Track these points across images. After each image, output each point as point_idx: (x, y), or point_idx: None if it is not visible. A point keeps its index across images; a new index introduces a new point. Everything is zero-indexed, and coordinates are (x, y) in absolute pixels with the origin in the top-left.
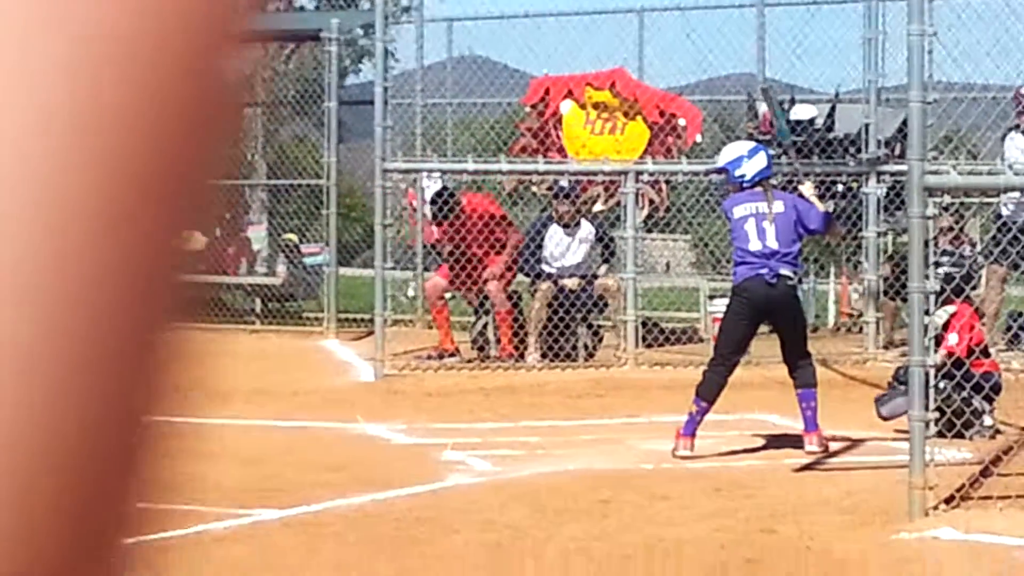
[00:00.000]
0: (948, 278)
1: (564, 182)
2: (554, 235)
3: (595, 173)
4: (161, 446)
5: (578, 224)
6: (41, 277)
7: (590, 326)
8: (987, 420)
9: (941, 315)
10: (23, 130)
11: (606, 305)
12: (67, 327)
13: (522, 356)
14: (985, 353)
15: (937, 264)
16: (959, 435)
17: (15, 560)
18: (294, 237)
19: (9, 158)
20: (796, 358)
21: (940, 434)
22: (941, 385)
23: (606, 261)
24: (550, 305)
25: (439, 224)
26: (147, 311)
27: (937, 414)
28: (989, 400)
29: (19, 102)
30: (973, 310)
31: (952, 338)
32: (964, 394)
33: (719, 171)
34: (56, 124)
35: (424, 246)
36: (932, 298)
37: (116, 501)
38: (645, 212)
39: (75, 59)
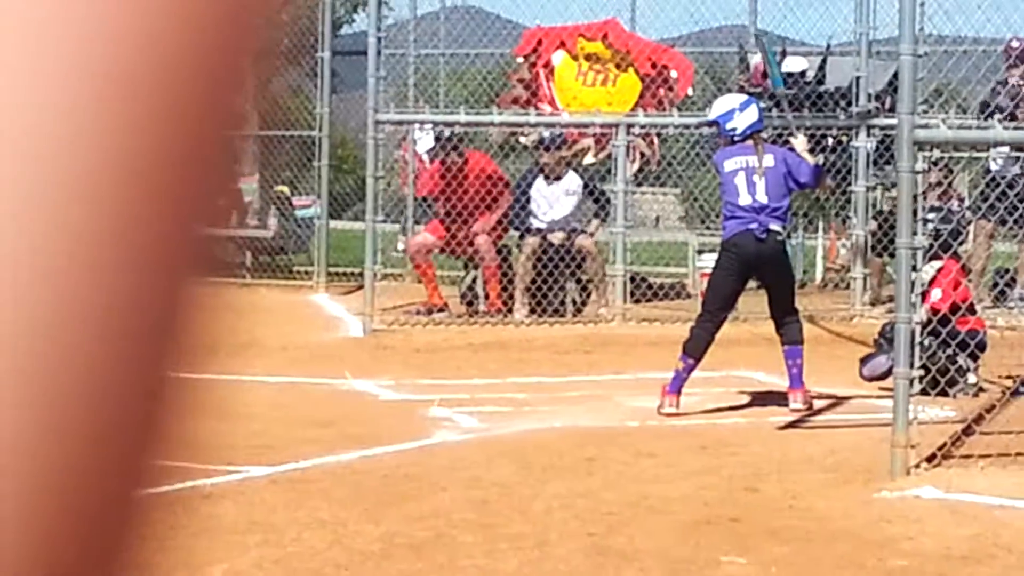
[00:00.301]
0: (936, 233)
1: (546, 133)
2: (540, 188)
3: (587, 125)
4: (183, 408)
5: (564, 175)
6: (59, 245)
7: (579, 281)
8: (971, 378)
9: (927, 271)
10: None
11: (583, 261)
12: (86, 297)
13: (510, 311)
14: (971, 310)
15: (925, 220)
16: (943, 393)
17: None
18: (286, 189)
19: (27, 126)
20: (783, 314)
21: (924, 392)
22: (926, 343)
23: (597, 215)
24: (538, 260)
25: (443, 165)
26: (168, 281)
27: (922, 372)
28: (974, 358)
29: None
30: (960, 266)
31: (936, 294)
32: (949, 351)
33: (710, 124)
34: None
35: (416, 199)
36: (920, 254)
37: (137, 464)
38: (636, 165)
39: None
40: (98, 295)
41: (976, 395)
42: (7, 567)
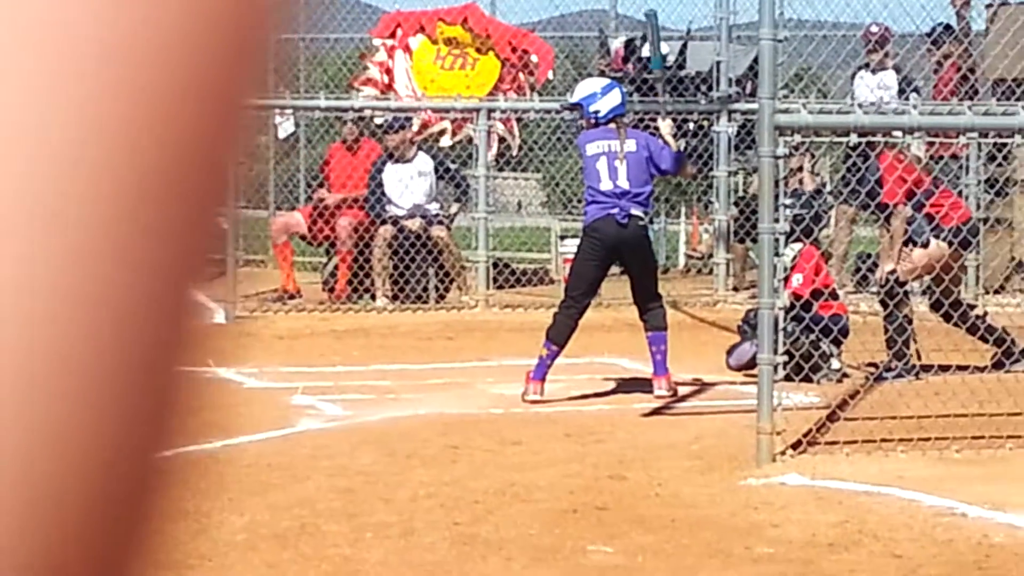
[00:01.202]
0: (796, 218)
1: (388, 117)
2: (391, 171)
3: (447, 110)
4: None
5: (413, 157)
6: (59, 267)
7: (440, 267)
8: (835, 363)
9: (789, 253)
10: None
11: (440, 253)
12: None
13: (373, 297)
14: (833, 295)
15: (784, 206)
16: (807, 379)
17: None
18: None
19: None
20: (647, 300)
21: (788, 378)
22: (789, 328)
23: (458, 200)
24: (393, 249)
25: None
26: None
27: (785, 358)
28: (837, 343)
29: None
30: (820, 252)
31: (796, 279)
32: (812, 337)
33: (573, 107)
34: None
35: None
36: (782, 239)
37: (139, 461)
38: (495, 150)
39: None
40: (100, 294)
41: (840, 381)
42: (5, 567)
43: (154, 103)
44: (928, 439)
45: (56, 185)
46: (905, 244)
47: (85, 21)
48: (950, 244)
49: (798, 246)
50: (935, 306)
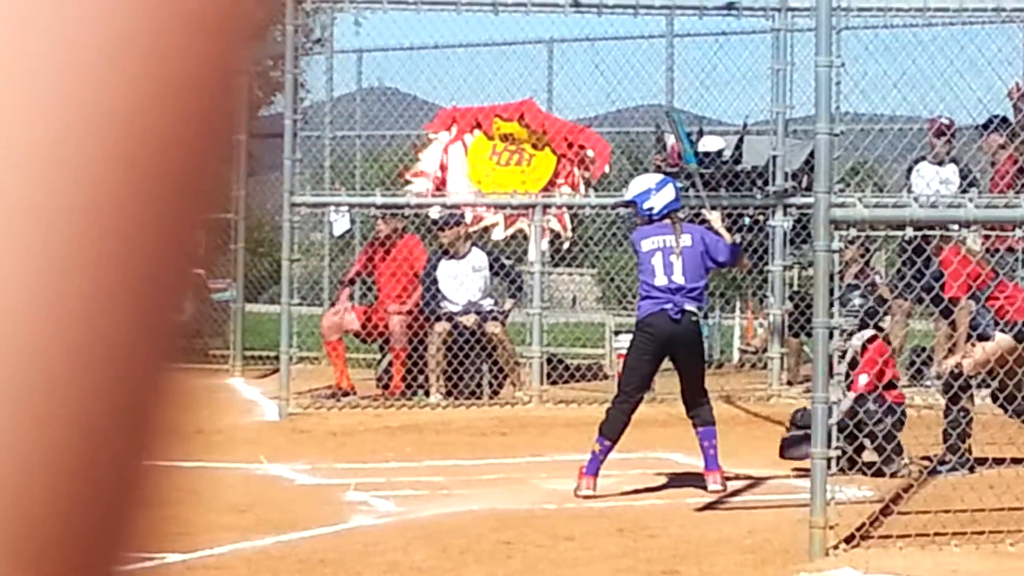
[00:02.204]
0: (864, 307)
1: (444, 213)
2: (445, 268)
3: (504, 206)
4: (157, 491)
5: (467, 253)
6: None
7: (495, 363)
8: (904, 459)
9: (857, 342)
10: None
11: (495, 349)
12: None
13: (427, 394)
14: (893, 385)
15: (848, 298)
16: (879, 473)
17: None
18: (201, 272)
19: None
20: (694, 396)
21: (861, 472)
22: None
23: (512, 296)
24: (448, 345)
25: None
26: (147, 353)
27: (838, 452)
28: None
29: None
30: (882, 339)
31: (862, 379)
32: (886, 430)
33: (627, 204)
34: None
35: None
36: (836, 333)
37: (111, 547)
38: (546, 242)
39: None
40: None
41: (910, 474)
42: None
43: (130, 105)
44: (982, 533)
45: (30, 190)
46: (968, 338)
47: (62, 22)
48: (1017, 340)
49: (867, 334)
50: (995, 398)
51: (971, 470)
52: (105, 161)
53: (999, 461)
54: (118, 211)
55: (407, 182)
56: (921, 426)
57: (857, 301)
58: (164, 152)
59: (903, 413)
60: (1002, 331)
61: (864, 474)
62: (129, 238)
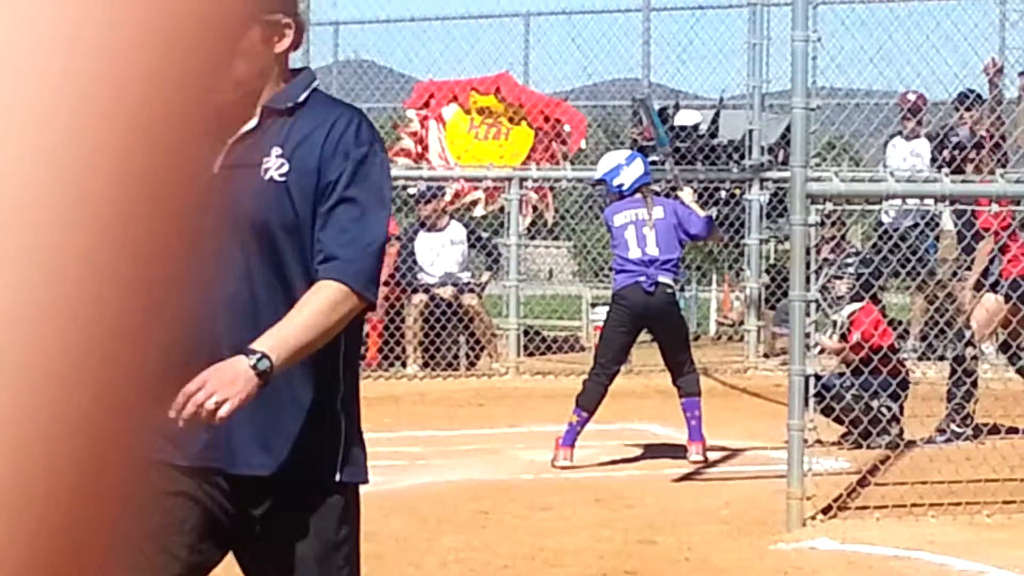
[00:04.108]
0: (859, 277)
1: (423, 186)
2: (423, 240)
3: (480, 179)
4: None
5: (446, 226)
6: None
7: (471, 334)
8: (894, 429)
9: (845, 312)
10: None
11: (471, 321)
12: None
13: (404, 365)
14: (892, 351)
15: (846, 264)
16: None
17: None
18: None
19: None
20: (679, 367)
21: (857, 444)
22: (855, 391)
23: (489, 268)
24: (424, 317)
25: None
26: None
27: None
28: (895, 398)
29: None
30: (880, 308)
31: (855, 336)
32: (880, 401)
33: (598, 182)
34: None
35: None
36: (812, 306)
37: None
38: (528, 219)
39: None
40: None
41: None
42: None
43: (133, 101)
44: (959, 504)
45: (34, 188)
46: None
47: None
48: (1007, 298)
49: (856, 306)
50: (1005, 347)
51: (969, 439)
52: (107, 144)
53: (994, 432)
54: (123, 195)
55: (390, 161)
56: (916, 398)
57: (851, 271)
58: (156, 122)
59: (901, 384)
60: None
61: (859, 447)
62: (132, 223)
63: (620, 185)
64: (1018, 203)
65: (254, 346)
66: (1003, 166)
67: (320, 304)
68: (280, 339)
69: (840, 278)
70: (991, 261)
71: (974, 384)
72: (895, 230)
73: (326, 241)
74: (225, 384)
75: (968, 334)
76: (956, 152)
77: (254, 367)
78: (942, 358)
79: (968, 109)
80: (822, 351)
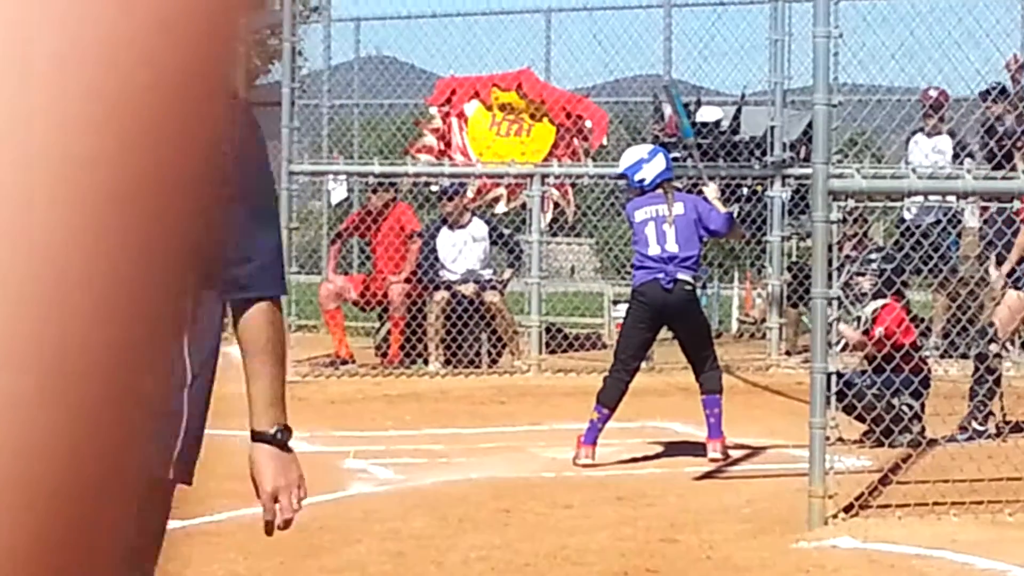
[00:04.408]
0: (881, 274)
1: (445, 182)
2: (445, 237)
3: (501, 176)
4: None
5: (468, 223)
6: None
7: (493, 332)
8: (916, 427)
9: (870, 309)
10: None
11: (493, 319)
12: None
13: (426, 362)
14: (915, 348)
15: (868, 260)
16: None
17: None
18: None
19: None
20: (700, 363)
21: (879, 443)
22: (875, 390)
23: (511, 266)
24: (447, 314)
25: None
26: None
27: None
28: (917, 396)
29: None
30: (903, 304)
31: (879, 331)
32: (901, 400)
33: (619, 177)
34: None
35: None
36: (835, 304)
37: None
38: (550, 215)
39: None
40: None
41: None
42: None
43: (131, 98)
44: (981, 502)
45: (29, 186)
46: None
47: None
48: None
49: (881, 301)
50: None
51: (991, 438)
52: (111, 136)
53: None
54: (126, 186)
55: (413, 157)
56: (937, 396)
57: (875, 267)
58: (170, 120)
59: (923, 382)
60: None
61: (881, 445)
62: (138, 213)
63: (641, 180)
64: None
65: (266, 426)
66: None
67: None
68: (278, 399)
69: (863, 275)
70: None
71: (997, 382)
72: (917, 227)
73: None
74: (291, 480)
75: (991, 331)
76: (1005, 141)
77: (286, 445)
78: (964, 356)
79: (996, 102)
80: (844, 348)
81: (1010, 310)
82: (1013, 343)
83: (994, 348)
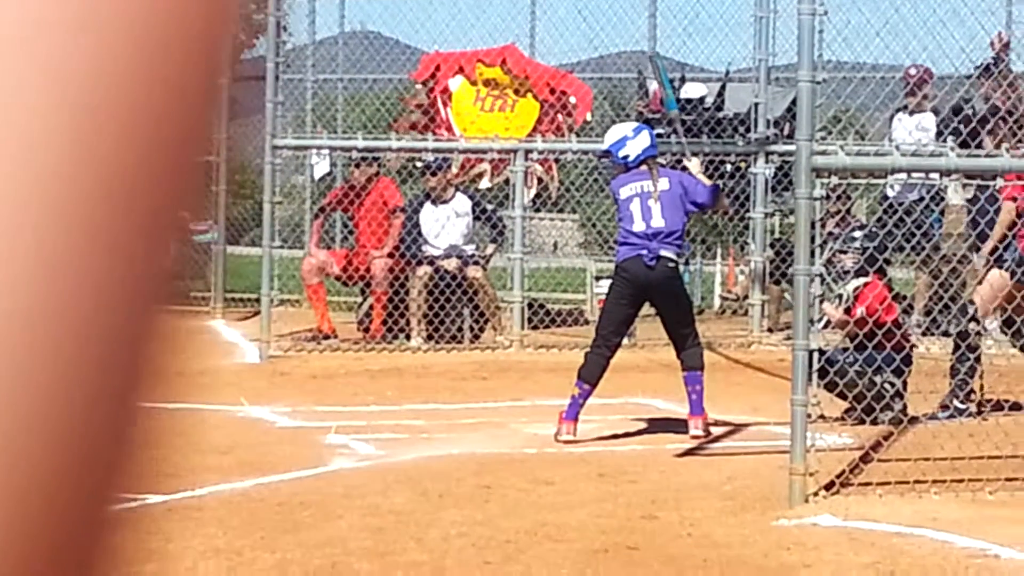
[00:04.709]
0: (864, 251)
1: (429, 157)
2: (428, 211)
3: (485, 151)
4: (148, 433)
5: (451, 198)
6: (30, 266)
7: (476, 307)
8: (898, 404)
9: (853, 287)
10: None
11: (475, 294)
12: (55, 322)
13: (407, 337)
14: (896, 325)
15: (851, 238)
16: (875, 420)
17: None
18: (184, 214)
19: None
20: (682, 340)
21: (860, 420)
22: (857, 368)
23: (494, 241)
24: (429, 289)
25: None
26: (138, 296)
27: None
28: (899, 373)
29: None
30: (885, 282)
31: (860, 311)
32: (883, 377)
33: (604, 154)
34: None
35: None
36: (817, 280)
37: (105, 489)
38: (534, 191)
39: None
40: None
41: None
42: None
43: (117, 46)
44: (961, 481)
45: (10, 191)
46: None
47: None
48: (1012, 274)
49: (864, 279)
50: (1008, 324)
51: (972, 416)
52: (91, 105)
53: (997, 408)
54: (105, 155)
55: (397, 132)
56: (919, 373)
57: (857, 244)
58: (152, 95)
59: (904, 359)
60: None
61: (862, 423)
62: (117, 182)
63: (626, 157)
64: None
65: None
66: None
67: None
68: None
69: (846, 252)
70: (1007, 233)
71: (978, 360)
72: (900, 204)
73: None
74: None
75: (972, 310)
76: (966, 125)
77: None
78: (946, 333)
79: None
80: (826, 325)
81: (992, 288)
82: (993, 321)
83: (974, 327)
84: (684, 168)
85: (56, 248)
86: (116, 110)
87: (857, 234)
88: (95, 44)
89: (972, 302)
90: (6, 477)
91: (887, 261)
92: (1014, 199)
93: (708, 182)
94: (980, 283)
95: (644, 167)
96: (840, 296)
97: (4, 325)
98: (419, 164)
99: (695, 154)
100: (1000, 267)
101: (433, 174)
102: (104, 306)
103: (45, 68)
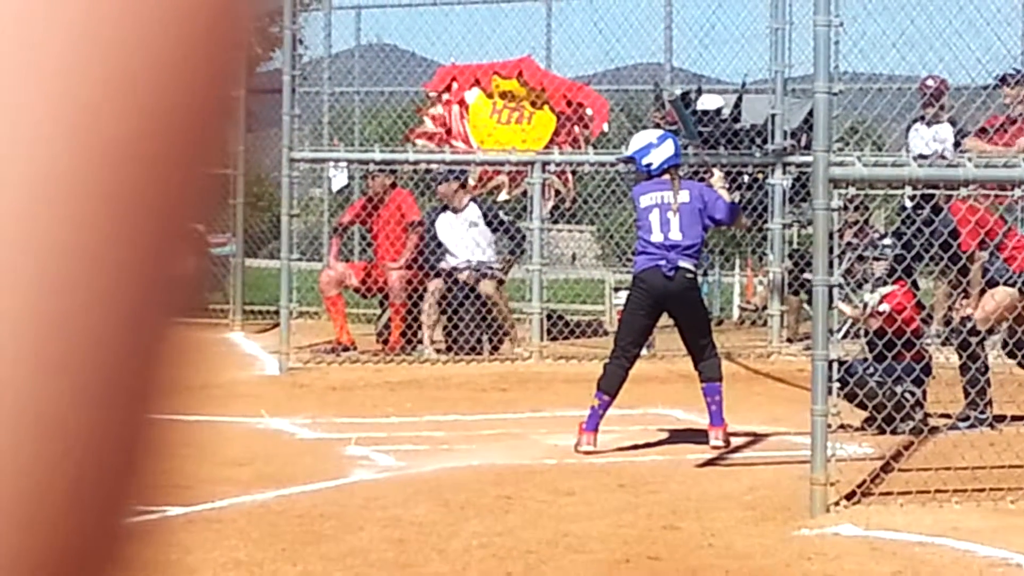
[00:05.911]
0: (897, 259)
1: (444, 169)
2: (444, 221)
3: (502, 163)
4: (162, 445)
5: (464, 207)
6: (45, 273)
7: (494, 319)
8: (919, 414)
9: (876, 296)
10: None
11: (489, 312)
12: (71, 324)
13: (414, 349)
14: (917, 335)
15: (883, 247)
16: (895, 430)
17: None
18: (200, 227)
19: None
20: (699, 351)
21: (881, 431)
22: (878, 378)
23: (512, 252)
24: (447, 301)
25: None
26: (151, 308)
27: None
28: (919, 383)
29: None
30: (909, 287)
31: (884, 306)
32: (903, 388)
33: (627, 160)
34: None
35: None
36: (835, 291)
37: (119, 501)
38: (551, 203)
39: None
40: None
41: (923, 431)
42: None
43: (135, 61)
44: (983, 490)
45: (24, 195)
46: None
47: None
48: (1021, 292)
49: (888, 288)
50: (1011, 354)
51: (991, 427)
52: (102, 115)
53: (1018, 418)
54: (115, 166)
55: (412, 143)
56: (939, 383)
57: (888, 252)
58: (170, 108)
59: (924, 369)
60: (1010, 281)
61: (883, 432)
62: (127, 193)
63: (649, 164)
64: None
65: None
66: None
67: None
68: None
69: (879, 259)
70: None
71: (985, 368)
72: (918, 215)
73: None
74: None
75: (970, 323)
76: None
77: None
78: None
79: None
80: (846, 335)
81: (995, 302)
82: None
83: (974, 339)
84: (705, 180)
85: (65, 258)
86: (128, 121)
87: (889, 242)
88: (106, 54)
89: (968, 317)
90: (18, 487)
91: (916, 269)
92: (983, 242)
93: (729, 197)
94: (964, 295)
95: (666, 176)
96: (865, 304)
97: (13, 334)
98: (434, 176)
99: (715, 166)
100: (1005, 283)
101: (439, 184)
102: (114, 317)
103: (55, 77)
